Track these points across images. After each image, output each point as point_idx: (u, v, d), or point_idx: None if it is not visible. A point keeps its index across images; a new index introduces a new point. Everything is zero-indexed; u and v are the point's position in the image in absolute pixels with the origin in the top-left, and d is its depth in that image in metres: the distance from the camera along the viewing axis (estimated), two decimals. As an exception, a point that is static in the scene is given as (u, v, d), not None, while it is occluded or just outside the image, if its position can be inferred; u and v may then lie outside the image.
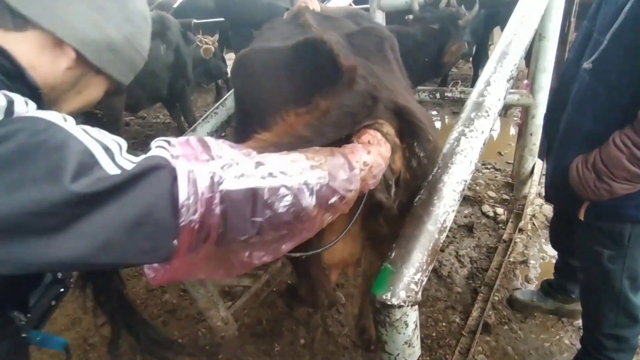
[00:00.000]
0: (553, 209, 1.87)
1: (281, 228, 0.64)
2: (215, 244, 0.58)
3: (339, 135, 0.82)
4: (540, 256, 2.37)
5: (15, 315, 0.70)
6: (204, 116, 1.84)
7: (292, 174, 0.63)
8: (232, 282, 2.27)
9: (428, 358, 1.87)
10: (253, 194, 0.58)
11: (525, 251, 2.41)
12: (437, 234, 0.92)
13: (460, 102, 2.60)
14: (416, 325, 0.90)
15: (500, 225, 2.65)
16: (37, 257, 0.47)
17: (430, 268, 0.90)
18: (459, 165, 1.04)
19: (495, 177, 3.11)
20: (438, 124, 4.39)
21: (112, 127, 3.31)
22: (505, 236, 2.50)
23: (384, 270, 0.87)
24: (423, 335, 2.00)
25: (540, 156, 2.56)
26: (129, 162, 0.52)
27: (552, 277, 2.25)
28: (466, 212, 2.83)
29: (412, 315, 0.87)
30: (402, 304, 0.82)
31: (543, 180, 2.98)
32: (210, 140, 0.62)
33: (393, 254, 0.90)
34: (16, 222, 0.45)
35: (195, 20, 4.22)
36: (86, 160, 0.49)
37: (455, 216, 2.94)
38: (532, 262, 2.34)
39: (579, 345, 1.83)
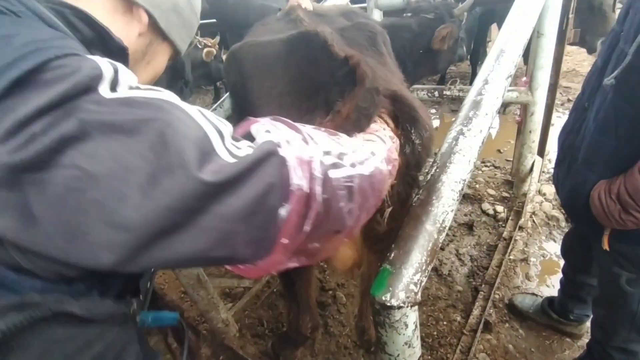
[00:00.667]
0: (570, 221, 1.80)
1: (364, 199, 0.63)
2: (310, 234, 0.55)
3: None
4: (541, 254, 2.37)
5: (132, 301, 0.67)
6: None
7: (367, 150, 0.67)
8: (232, 284, 2.27)
9: (429, 357, 1.87)
10: (349, 181, 0.57)
11: (525, 249, 2.41)
12: (436, 234, 0.92)
13: (458, 100, 2.59)
14: (416, 326, 0.90)
15: (500, 223, 2.65)
16: (162, 255, 0.46)
17: (430, 268, 0.90)
18: (458, 165, 1.03)
19: (495, 174, 3.11)
20: (437, 122, 4.38)
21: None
22: (505, 234, 2.50)
23: (383, 271, 0.87)
24: (424, 334, 2.00)
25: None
26: (238, 147, 0.51)
27: (552, 275, 2.25)
28: (466, 210, 2.82)
29: (412, 316, 0.86)
30: (402, 304, 0.82)
31: (542, 177, 2.98)
32: (297, 124, 0.60)
33: (392, 255, 0.89)
34: (155, 221, 0.43)
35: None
36: (206, 147, 0.47)
37: (456, 214, 2.94)
38: (532, 259, 2.34)
39: (580, 343, 1.84)
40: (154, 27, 0.70)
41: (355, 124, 0.83)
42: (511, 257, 2.35)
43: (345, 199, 0.57)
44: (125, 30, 0.65)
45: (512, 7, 1.58)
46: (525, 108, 2.51)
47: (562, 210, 2.60)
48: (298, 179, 0.51)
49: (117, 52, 0.59)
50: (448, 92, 2.74)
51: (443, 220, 0.94)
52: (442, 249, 2.54)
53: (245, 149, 0.51)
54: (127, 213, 0.42)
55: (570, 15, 2.25)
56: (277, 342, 1.87)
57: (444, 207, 0.96)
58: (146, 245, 0.44)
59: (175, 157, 0.44)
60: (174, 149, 0.44)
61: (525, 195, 2.72)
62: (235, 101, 1.27)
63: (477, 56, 4.81)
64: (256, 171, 0.49)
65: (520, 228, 2.52)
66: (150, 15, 0.68)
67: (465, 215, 2.78)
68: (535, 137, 2.57)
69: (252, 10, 1.83)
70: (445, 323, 2.04)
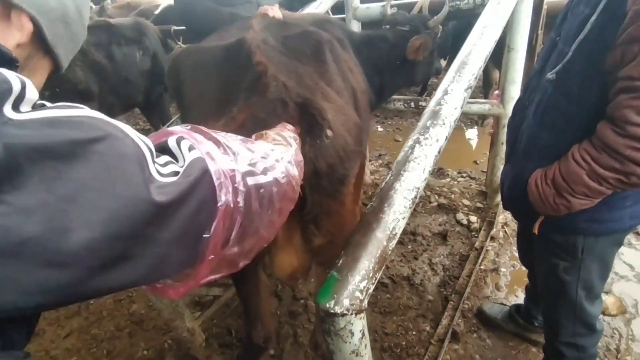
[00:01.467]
0: (517, 223, 1.84)
1: (280, 203, 0.66)
2: (232, 244, 0.57)
3: None
4: (511, 264, 2.39)
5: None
6: (169, 122, 1.82)
7: (277, 154, 0.69)
8: (201, 292, 2.22)
9: (396, 367, 1.86)
10: (259, 186, 0.60)
11: (496, 259, 2.43)
12: (385, 241, 0.92)
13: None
14: (363, 334, 0.89)
15: (474, 233, 2.67)
16: (93, 289, 0.43)
17: (378, 276, 0.89)
18: (412, 173, 1.04)
19: (470, 185, 3.14)
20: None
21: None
22: (477, 244, 2.52)
23: (329, 278, 0.86)
24: (393, 344, 1.99)
25: (504, 167, 2.60)
26: (161, 165, 0.50)
27: (521, 285, 2.27)
28: (440, 220, 2.84)
29: (358, 324, 0.85)
30: (346, 312, 0.81)
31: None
32: (210, 131, 0.61)
33: (340, 262, 0.89)
34: (99, 253, 0.41)
35: (175, 27, 4.20)
36: (144, 165, 0.46)
37: (430, 224, 2.93)
38: (502, 269, 2.36)
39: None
40: (38, 38, 0.60)
41: (248, 133, 0.82)
42: (482, 267, 2.37)
43: (260, 205, 0.59)
44: (2, 37, 0.55)
45: (477, 21, 1.62)
46: (497, 120, 2.56)
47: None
48: (224, 195, 0.52)
49: (3, 64, 0.48)
50: (424, 103, 2.78)
51: (394, 228, 0.94)
52: (415, 258, 2.55)
53: (169, 167, 0.50)
54: (67, 248, 0.38)
55: (540, 31, 2.32)
56: (241, 353, 1.83)
57: (395, 214, 0.96)
58: (83, 281, 0.41)
59: (121, 180, 0.42)
60: (119, 171, 0.42)
61: (497, 205, 2.75)
62: (175, 101, 1.28)
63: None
64: (194, 190, 0.49)
65: (492, 238, 2.55)
66: (35, 24, 0.58)
67: (440, 225, 2.80)
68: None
69: (222, 18, 1.83)
70: (414, 333, 2.04)
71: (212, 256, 0.53)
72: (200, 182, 0.50)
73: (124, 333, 2.21)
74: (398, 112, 4.62)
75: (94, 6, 5.78)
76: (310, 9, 2.69)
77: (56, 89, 2.96)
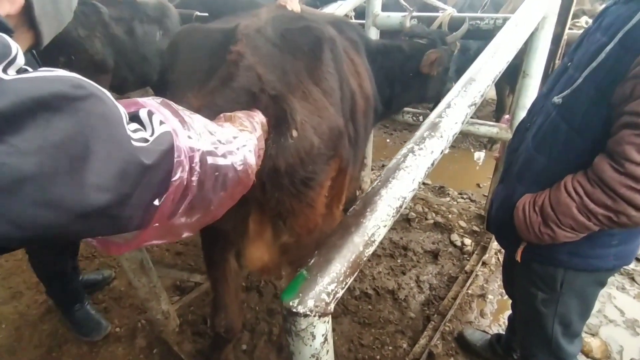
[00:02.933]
0: (497, 243, 1.80)
1: (233, 188, 0.70)
2: (180, 215, 0.60)
3: None
4: (499, 292, 2.34)
5: None
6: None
7: (239, 142, 0.72)
8: (182, 276, 2.20)
9: (367, 380, 1.82)
10: (216, 167, 0.63)
11: (485, 285, 2.38)
12: (362, 247, 0.89)
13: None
14: (326, 339, 0.86)
15: (466, 256, 2.63)
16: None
17: (349, 281, 0.86)
18: (400, 181, 1.01)
19: (469, 207, 3.10)
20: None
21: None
22: (468, 267, 2.47)
23: (297, 277, 0.83)
24: (367, 357, 1.95)
25: (497, 187, 2.57)
26: (133, 130, 0.53)
27: (507, 314, 2.22)
28: (434, 238, 2.80)
29: (321, 327, 0.82)
30: (309, 313, 0.78)
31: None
32: (179, 108, 0.64)
33: (312, 261, 0.86)
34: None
35: (197, 13, 4.23)
36: (125, 128, 0.50)
37: (423, 241, 2.89)
38: (490, 297, 2.31)
39: (519, 386, 1.80)
40: (26, 13, 0.62)
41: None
42: (469, 291, 2.32)
43: (213, 186, 0.63)
44: None
45: (492, 40, 1.59)
46: (504, 145, 2.52)
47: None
48: (179, 172, 0.56)
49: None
50: (432, 119, 2.75)
51: (373, 234, 0.91)
52: (403, 273, 2.51)
53: (139, 133, 0.53)
54: (57, 193, 0.42)
55: (557, 61, 2.28)
56: (210, 343, 1.81)
57: (377, 221, 0.93)
58: (66, 225, 0.45)
59: (108, 139, 0.46)
60: (105, 129, 0.46)
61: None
62: (167, 76, 1.27)
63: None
64: (163, 160, 0.53)
65: (484, 264, 2.50)
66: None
67: (433, 243, 2.76)
68: (511, 175, 2.58)
69: (240, 6, 1.83)
70: (390, 348, 2.00)
71: (157, 224, 0.56)
72: (168, 154, 0.54)
73: (100, 307, 2.20)
74: (407, 125, 4.58)
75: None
76: (330, 10, 2.68)
77: (72, 56, 2.97)
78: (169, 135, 0.55)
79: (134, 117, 0.57)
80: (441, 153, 1.14)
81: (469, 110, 1.26)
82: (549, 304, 1.22)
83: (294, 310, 0.78)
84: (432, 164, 1.10)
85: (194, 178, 0.57)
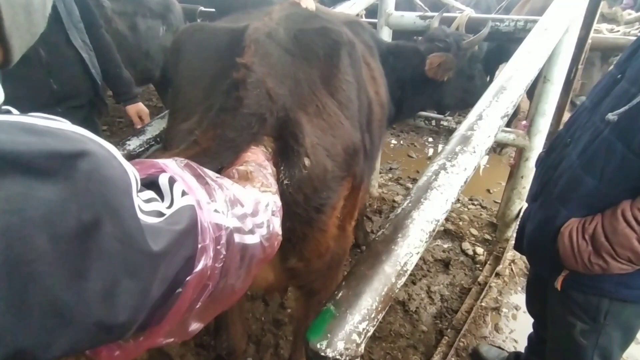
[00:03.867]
0: (530, 266, 1.69)
1: (257, 266, 0.59)
2: (203, 307, 0.50)
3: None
4: (514, 305, 2.26)
5: None
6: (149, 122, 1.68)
7: (264, 208, 0.62)
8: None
9: (379, 400, 1.73)
10: (244, 247, 0.53)
11: (499, 297, 2.30)
12: (394, 278, 0.80)
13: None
14: (355, 382, 0.77)
15: (478, 265, 2.54)
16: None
17: (380, 317, 0.78)
18: (433, 202, 0.92)
19: (481, 214, 3.01)
20: (432, 151, 4.31)
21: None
22: (480, 278, 2.39)
23: (324, 312, 0.75)
24: (378, 373, 1.87)
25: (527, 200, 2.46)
26: (144, 201, 0.43)
27: (523, 329, 2.14)
28: (445, 246, 2.72)
29: (351, 371, 0.74)
30: (339, 357, 0.70)
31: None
32: (204, 172, 0.54)
33: (339, 294, 0.77)
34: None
35: (202, 8, 4.12)
36: (132, 198, 0.40)
37: (433, 249, 2.80)
38: (504, 310, 2.23)
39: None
40: None
41: (214, 157, 0.74)
42: (483, 304, 2.24)
43: (238, 269, 0.52)
44: None
45: (521, 45, 1.49)
46: (520, 152, 2.43)
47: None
48: (204, 260, 0.45)
49: None
50: (445, 123, 2.66)
51: (405, 263, 0.83)
52: (413, 282, 2.42)
53: (153, 204, 0.44)
54: (32, 297, 0.31)
55: (580, 66, 2.19)
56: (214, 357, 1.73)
57: (409, 247, 0.85)
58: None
59: (108, 211, 0.35)
60: (105, 198, 0.35)
61: (507, 240, 2.62)
62: (169, 75, 1.22)
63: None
64: (182, 245, 0.43)
65: (497, 274, 2.42)
66: None
67: (444, 251, 2.67)
68: (527, 183, 2.48)
69: (251, 1, 1.73)
70: (402, 364, 1.91)
71: (167, 325, 0.45)
72: (189, 236, 0.44)
73: None
74: (415, 128, 4.49)
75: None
76: (341, 9, 2.58)
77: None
78: (190, 211, 0.45)
79: (151, 184, 0.47)
80: (474, 169, 1.05)
81: (501, 122, 1.17)
82: (589, 335, 1.13)
83: (323, 353, 0.69)
84: (465, 182, 1.01)
85: (218, 265, 0.47)
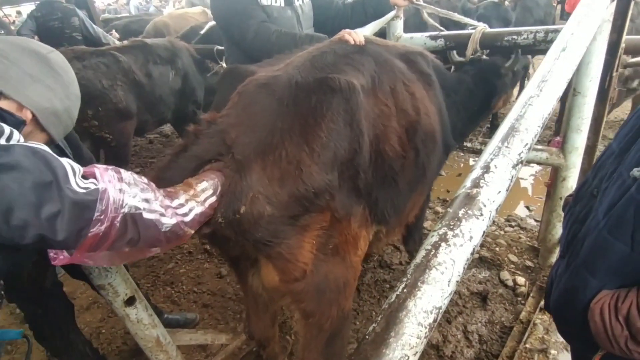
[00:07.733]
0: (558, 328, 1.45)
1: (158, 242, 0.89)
2: (111, 247, 0.82)
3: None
4: (563, 345, 2.00)
5: None
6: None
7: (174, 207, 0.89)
8: (205, 341, 2.07)
9: None
10: (154, 222, 0.85)
11: (545, 337, 2.05)
12: (385, 392, 0.69)
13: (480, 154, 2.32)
14: None
15: (520, 298, 2.31)
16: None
17: None
18: (432, 287, 0.80)
19: (520, 237, 2.76)
20: (462, 165, 4.07)
21: (120, 150, 3.29)
22: (523, 315, 2.16)
23: None
24: None
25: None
26: (82, 182, 0.78)
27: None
28: (481, 276, 2.50)
29: None
30: None
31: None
32: (125, 174, 0.84)
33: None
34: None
35: (218, 47, 4.22)
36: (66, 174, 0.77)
37: (469, 280, 2.58)
38: (552, 352, 1.98)
39: None
40: (36, 122, 1.02)
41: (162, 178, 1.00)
42: (527, 345, 2.01)
43: (141, 231, 0.82)
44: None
45: (538, 69, 1.33)
46: (556, 171, 2.20)
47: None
48: (101, 209, 0.77)
49: (15, 125, 0.89)
50: (469, 145, 2.49)
51: (399, 370, 0.71)
52: (448, 321, 2.23)
53: (85, 184, 0.78)
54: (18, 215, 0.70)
55: (615, 73, 1.96)
56: None
57: (404, 349, 0.72)
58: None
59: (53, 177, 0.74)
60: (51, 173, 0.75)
61: (551, 267, 2.37)
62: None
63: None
64: (87, 207, 0.76)
65: (542, 310, 2.17)
66: (33, 114, 1.00)
67: (480, 283, 2.46)
68: (567, 204, 2.25)
69: (299, 41, 1.74)
70: (438, 422, 1.74)
71: (86, 252, 0.80)
72: (95, 200, 0.77)
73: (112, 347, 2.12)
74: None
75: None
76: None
77: (99, 108, 3.03)
78: (97, 193, 0.77)
79: (90, 176, 0.81)
80: (482, 236, 0.91)
81: (514, 172, 1.02)
82: None
83: None
84: (472, 254, 0.88)
85: (117, 223, 0.79)
